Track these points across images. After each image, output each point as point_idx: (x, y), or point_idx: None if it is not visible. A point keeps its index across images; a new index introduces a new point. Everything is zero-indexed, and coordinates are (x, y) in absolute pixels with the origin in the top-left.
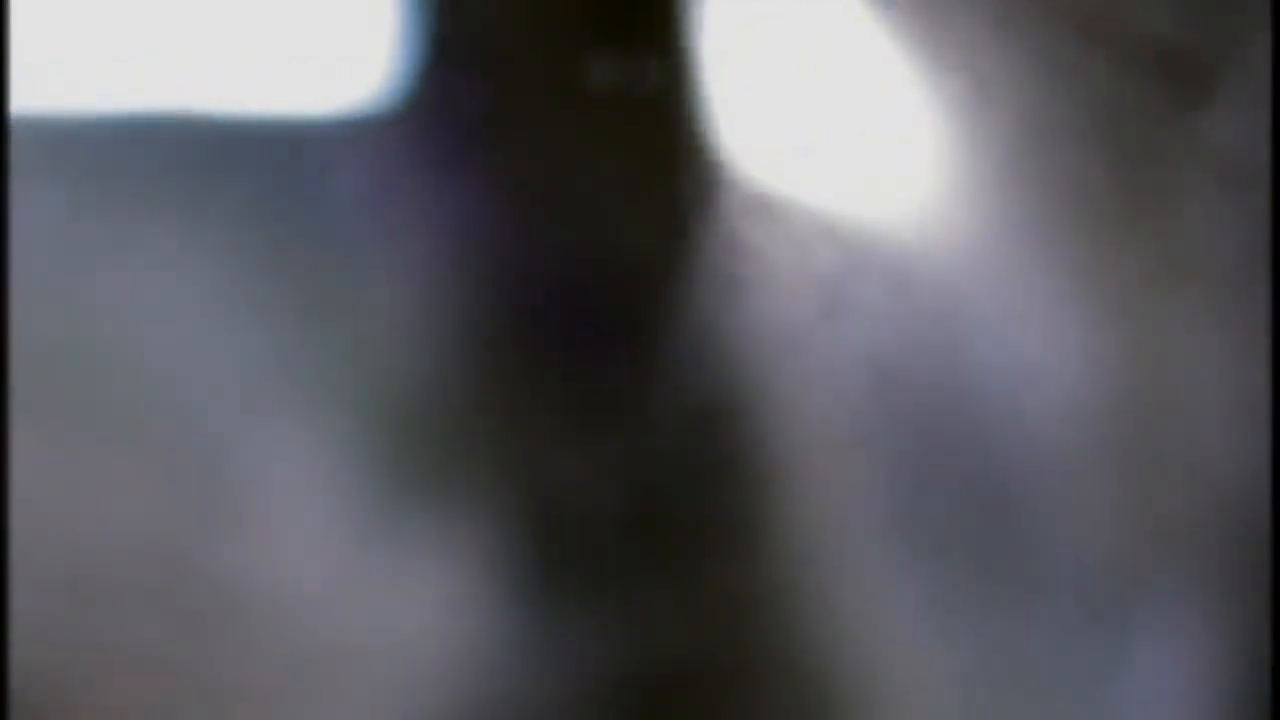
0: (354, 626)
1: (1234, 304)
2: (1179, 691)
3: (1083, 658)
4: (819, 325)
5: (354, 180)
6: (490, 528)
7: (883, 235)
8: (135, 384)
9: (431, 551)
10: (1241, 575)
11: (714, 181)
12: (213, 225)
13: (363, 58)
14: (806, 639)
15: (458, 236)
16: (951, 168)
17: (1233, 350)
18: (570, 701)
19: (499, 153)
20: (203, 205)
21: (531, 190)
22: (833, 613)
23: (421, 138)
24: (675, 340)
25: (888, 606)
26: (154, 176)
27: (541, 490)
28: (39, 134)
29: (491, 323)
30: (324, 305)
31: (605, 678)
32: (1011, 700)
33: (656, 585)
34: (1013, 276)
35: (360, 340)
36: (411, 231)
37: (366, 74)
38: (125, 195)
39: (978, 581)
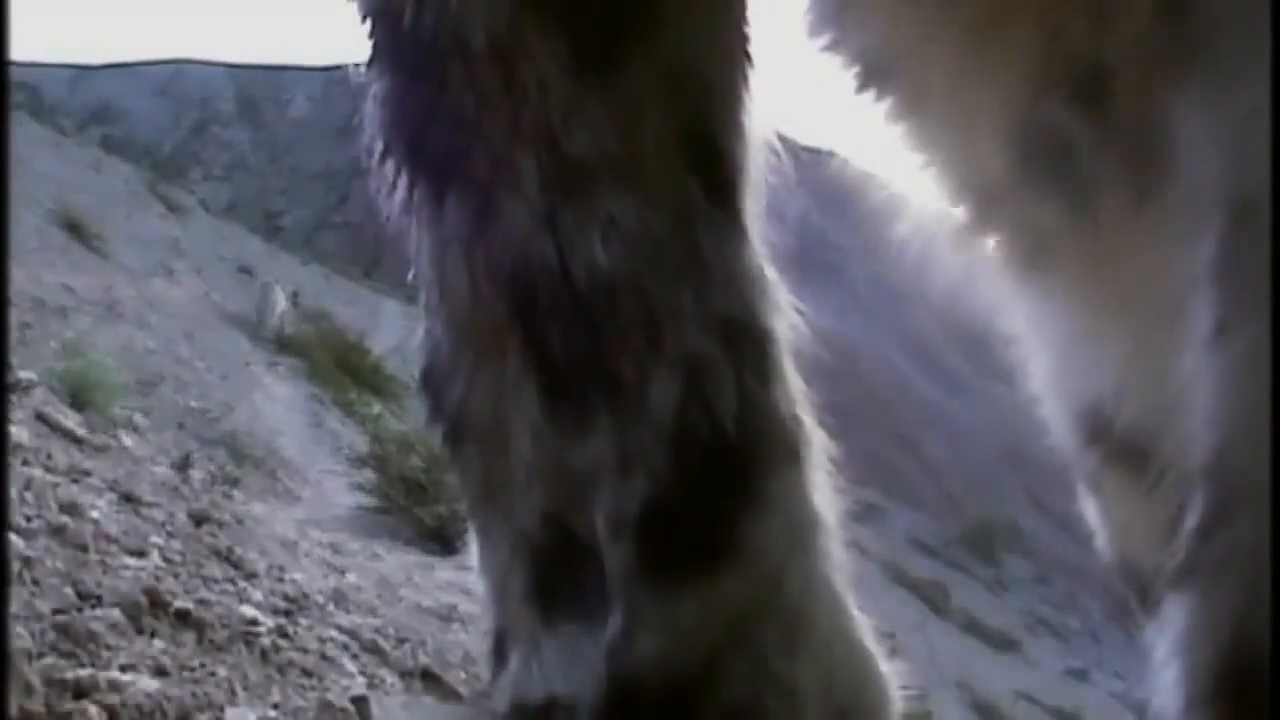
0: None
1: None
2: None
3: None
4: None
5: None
6: (495, 532)
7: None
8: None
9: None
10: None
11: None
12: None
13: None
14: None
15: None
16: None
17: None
18: (571, 702)
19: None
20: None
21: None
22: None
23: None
24: (682, 334)
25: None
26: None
27: (544, 493)
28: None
29: (492, 305)
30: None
31: (603, 681)
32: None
33: (654, 590)
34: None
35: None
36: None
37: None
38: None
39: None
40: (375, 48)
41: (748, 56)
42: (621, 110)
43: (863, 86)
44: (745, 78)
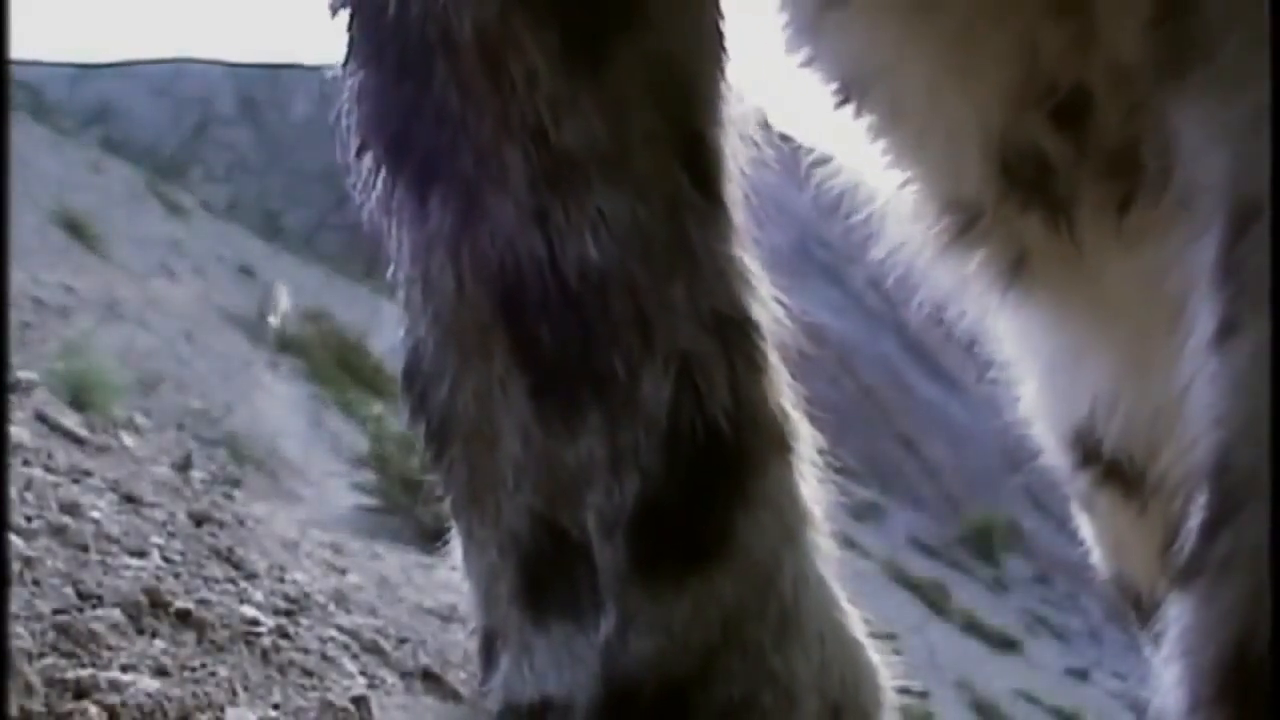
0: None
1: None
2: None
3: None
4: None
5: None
6: (487, 531)
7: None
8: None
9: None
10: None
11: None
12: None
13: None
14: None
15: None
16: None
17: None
18: (566, 702)
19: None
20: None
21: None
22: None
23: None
24: (671, 330)
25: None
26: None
27: (534, 494)
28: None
29: (483, 302)
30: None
31: (600, 681)
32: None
33: (649, 588)
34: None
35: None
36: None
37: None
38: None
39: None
40: (353, 42)
41: (724, 49)
42: (610, 103)
43: (842, 102)
44: (723, 70)
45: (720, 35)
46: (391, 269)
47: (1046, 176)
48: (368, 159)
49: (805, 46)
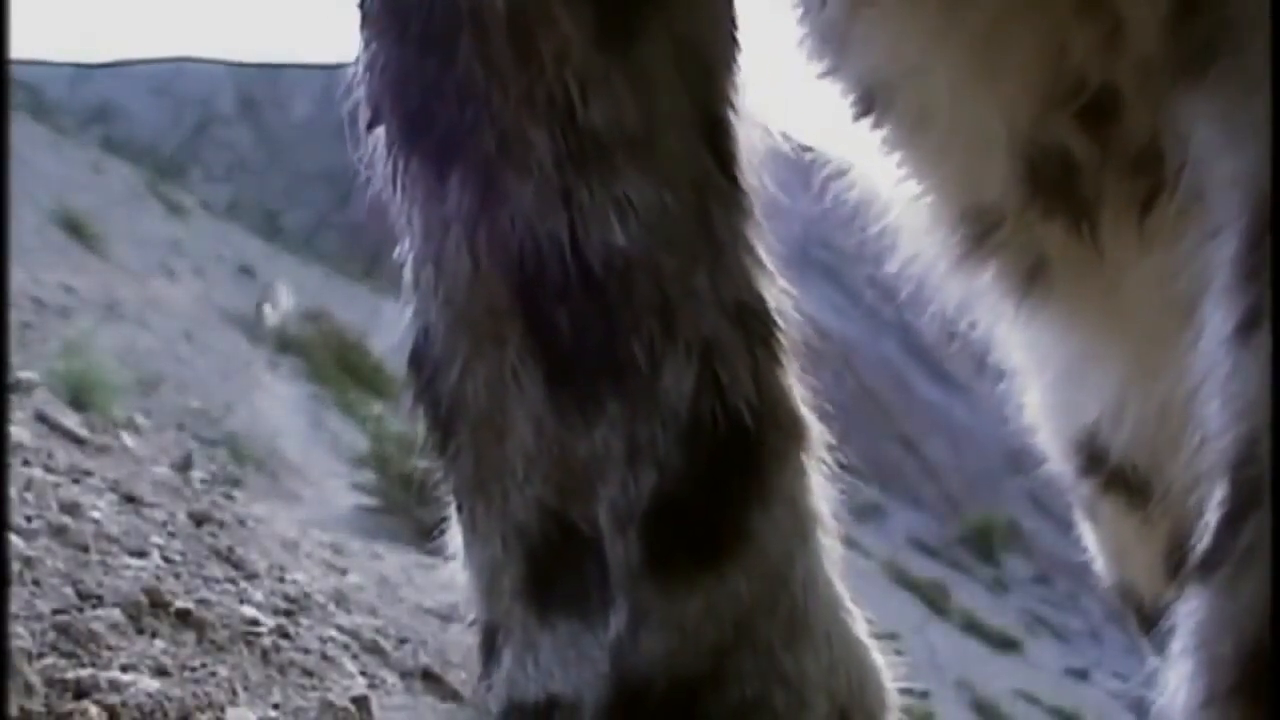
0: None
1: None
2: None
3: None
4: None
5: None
6: (492, 527)
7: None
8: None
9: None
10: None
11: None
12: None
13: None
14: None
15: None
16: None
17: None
18: (573, 701)
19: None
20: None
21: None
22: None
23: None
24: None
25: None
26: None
27: (541, 488)
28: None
29: (493, 291)
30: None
31: (605, 680)
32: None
33: (656, 587)
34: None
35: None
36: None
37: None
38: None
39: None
40: (369, 14)
41: (737, 39)
42: (640, 81)
43: (862, 113)
44: (737, 59)
45: (735, 23)
46: (398, 248)
47: (1072, 178)
48: (380, 133)
49: (828, 55)
